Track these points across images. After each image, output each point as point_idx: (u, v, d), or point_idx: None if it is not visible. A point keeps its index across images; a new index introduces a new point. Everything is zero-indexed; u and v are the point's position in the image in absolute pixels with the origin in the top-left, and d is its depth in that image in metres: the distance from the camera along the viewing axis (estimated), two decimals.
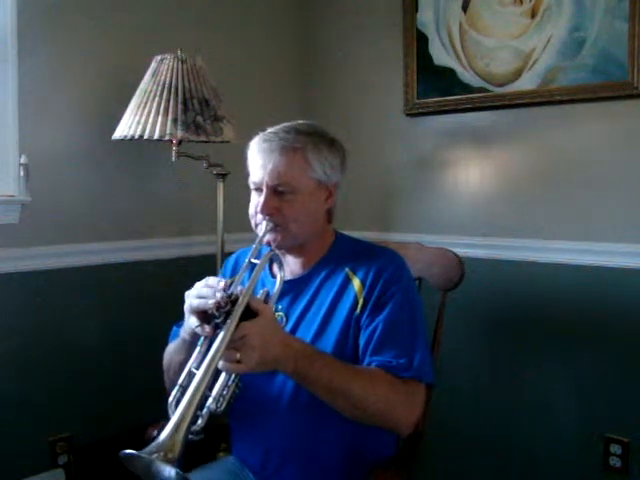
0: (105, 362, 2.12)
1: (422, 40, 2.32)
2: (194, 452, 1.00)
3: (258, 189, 1.30)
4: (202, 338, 1.09)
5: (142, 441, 1.41)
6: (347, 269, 1.32)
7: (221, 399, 1.04)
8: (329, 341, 1.27)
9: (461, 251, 1.71)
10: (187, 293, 1.15)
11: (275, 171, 1.26)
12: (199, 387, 0.98)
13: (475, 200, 2.27)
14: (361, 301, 1.27)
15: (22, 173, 1.87)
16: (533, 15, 2.07)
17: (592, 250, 2.00)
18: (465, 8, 2.22)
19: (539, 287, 2.11)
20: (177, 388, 1.05)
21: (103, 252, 2.10)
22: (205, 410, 1.01)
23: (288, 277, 1.33)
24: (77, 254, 2.03)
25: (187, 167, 2.16)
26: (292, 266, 1.37)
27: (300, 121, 1.36)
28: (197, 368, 1.04)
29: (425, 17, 2.32)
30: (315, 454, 1.29)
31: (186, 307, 1.13)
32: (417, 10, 2.33)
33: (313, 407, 1.20)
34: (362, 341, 1.26)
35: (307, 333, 1.29)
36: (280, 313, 1.33)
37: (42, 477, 1.97)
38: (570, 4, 1.99)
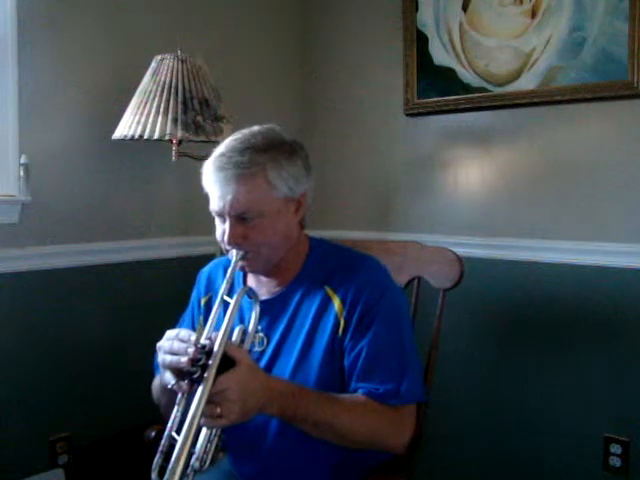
0: (105, 362, 2.12)
1: (422, 40, 2.32)
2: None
3: (220, 216, 1.22)
4: (179, 396, 1.04)
5: (141, 441, 1.42)
6: (326, 287, 1.25)
7: (205, 456, 1.00)
8: (313, 363, 1.22)
9: (461, 251, 1.70)
10: (159, 345, 1.09)
11: (236, 202, 1.17)
12: (180, 455, 0.95)
13: (475, 200, 2.27)
14: (342, 322, 1.21)
15: (22, 173, 1.87)
16: (533, 15, 2.07)
17: (592, 250, 2.00)
18: (465, 8, 2.22)
19: (539, 287, 2.11)
20: (158, 455, 1.01)
21: (103, 252, 2.10)
22: (190, 469, 0.98)
23: (265, 297, 1.28)
24: (77, 254, 2.03)
25: (187, 167, 2.15)
26: (267, 285, 1.31)
27: (254, 129, 1.25)
28: (177, 432, 1.00)
29: (425, 17, 2.32)
30: (313, 461, 1.26)
31: (159, 361, 1.09)
32: (417, 10, 2.33)
33: None
34: (346, 365, 1.21)
35: (290, 355, 1.25)
36: (260, 335, 1.28)
37: (42, 477, 1.97)
38: (570, 4, 1.99)
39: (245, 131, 1.26)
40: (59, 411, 2.01)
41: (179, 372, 1.04)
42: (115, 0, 2.11)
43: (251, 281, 1.34)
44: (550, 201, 2.11)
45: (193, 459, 0.98)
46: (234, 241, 1.19)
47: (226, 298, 1.15)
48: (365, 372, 1.19)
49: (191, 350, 1.01)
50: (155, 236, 2.25)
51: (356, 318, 1.21)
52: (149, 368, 1.40)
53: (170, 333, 1.10)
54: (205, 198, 2.26)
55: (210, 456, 1.01)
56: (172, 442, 1.00)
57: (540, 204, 2.12)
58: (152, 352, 1.41)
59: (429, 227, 2.35)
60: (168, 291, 2.21)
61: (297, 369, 1.23)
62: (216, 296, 1.16)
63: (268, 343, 1.27)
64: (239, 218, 1.19)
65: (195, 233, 2.35)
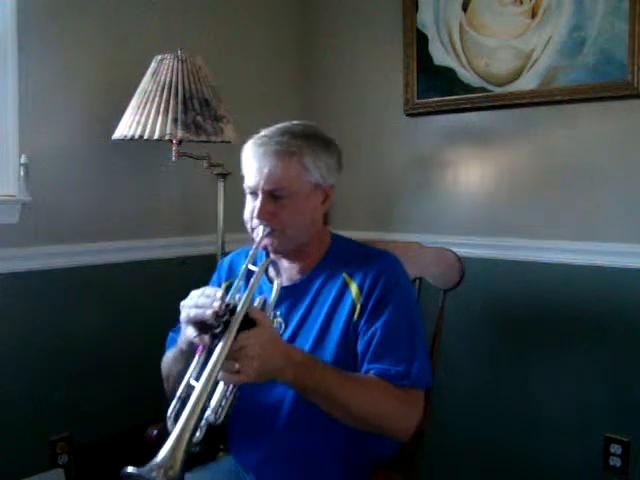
0: (105, 362, 2.11)
1: (422, 40, 2.32)
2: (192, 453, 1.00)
3: (253, 193, 1.28)
4: (200, 348, 1.08)
5: (141, 441, 1.42)
6: (344, 274, 1.30)
7: (220, 410, 1.03)
8: (329, 348, 1.26)
9: (461, 251, 1.71)
10: (182, 303, 1.13)
11: (271, 176, 1.23)
12: (199, 399, 0.97)
13: (475, 200, 2.27)
14: (358, 307, 1.26)
15: (22, 173, 1.87)
16: (533, 15, 2.07)
17: (592, 250, 2.00)
18: (465, 8, 2.22)
19: (539, 287, 2.11)
20: (176, 400, 1.04)
21: (103, 252, 2.10)
22: (204, 422, 1.00)
23: (285, 283, 1.32)
24: (77, 254, 2.03)
25: (187, 167, 2.16)
26: (289, 271, 1.35)
27: (294, 122, 1.33)
28: (196, 379, 1.03)
29: (425, 17, 2.32)
30: (316, 457, 1.28)
31: (183, 317, 1.11)
32: (417, 10, 2.33)
33: (313, 414, 1.19)
34: (360, 348, 1.25)
35: (306, 340, 1.28)
36: (279, 319, 1.31)
37: (42, 477, 1.97)
38: (570, 4, 1.99)
39: (286, 122, 1.33)
40: (59, 411, 2.01)
41: (201, 327, 1.07)
42: (115, 0, 2.11)
43: (273, 270, 1.35)
44: (550, 201, 2.10)
45: (208, 412, 1.01)
46: (263, 217, 1.24)
47: (251, 267, 1.20)
48: (377, 354, 1.22)
49: (217, 304, 1.04)
50: (155, 236, 2.25)
51: (372, 303, 1.25)
52: (149, 367, 1.40)
53: (194, 292, 1.13)
54: (204, 198, 2.28)
55: (225, 412, 1.03)
56: (189, 392, 1.02)
57: (540, 204, 2.12)
58: (152, 351, 1.42)
59: (429, 227, 2.35)
60: (168, 291, 2.20)
61: (313, 354, 1.25)
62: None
63: (286, 328, 1.31)
64: (271, 195, 1.25)
65: (195, 233, 2.35)
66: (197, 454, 1.01)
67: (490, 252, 2.20)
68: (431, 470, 2.04)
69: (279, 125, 1.32)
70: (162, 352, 1.37)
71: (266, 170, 1.24)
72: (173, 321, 1.41)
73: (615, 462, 1.99)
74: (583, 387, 2.04)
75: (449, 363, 1.99)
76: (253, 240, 1.27)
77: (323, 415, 1.17)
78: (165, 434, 1.03)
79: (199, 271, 1.53)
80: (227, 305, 1.05)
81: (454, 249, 1.68)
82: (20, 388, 1.93)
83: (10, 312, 1.90)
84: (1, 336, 1.88)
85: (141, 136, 1.86)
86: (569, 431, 2.06)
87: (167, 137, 1.86)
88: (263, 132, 1.30)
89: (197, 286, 1.48)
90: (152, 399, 1.37)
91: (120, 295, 2.16)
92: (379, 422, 1.20)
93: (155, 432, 1.42)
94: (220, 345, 1.01)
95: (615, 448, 1.99)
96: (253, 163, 1.26)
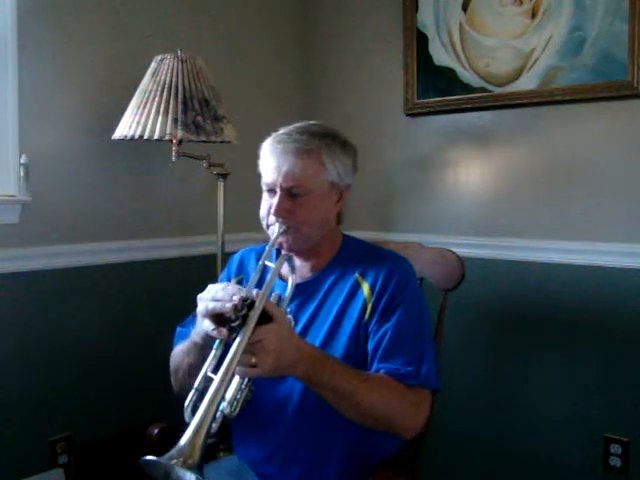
0: (105, 362, 2.11)
1: (422, 40, 2.33)
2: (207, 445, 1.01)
3: (271, 190, 1.29)
4: (217, 341, 1.09)
5: (142, 441, 1.42)
6: (357, 274, 1.32)
7: (235, 403, 1.05)
8: (339, 347, 1.27)
9: (461, 251, 1.71)
10: (200, 296, 1.14)
11: (290, 173, 1.25)
12: (218, 391, 0.99)
13: (475, 200, 2.27)
14: (370, 307, 1.27)
15: (22, 173, 1.87)
16: (533, 15, 2.08)
17: (592, 250, 2.00)
18: (465, 8, 2.22)
19: (539, 287, 2.11)
20: (193, 392, 1.06)
21: (103, 252, 2.10)
22: (219, 414, 1.01)
23: (297, 280, 1.32)
24: (77, 254, 2.03)
25: (187, 167, 2.16)
26: (301, 270, 1.37)
27: (312, 122, 1.36)
28: (214, 372, 1.04)
29: (425, 17, 2.32)
30: (319, 456, 1.29)
31: (200, 310, 1.12)
32: (417, 10, 2.33)
33: (320, 412, 1.20)
34: (370, 347, 1.26)
35: (316, 338, 1.29)
36: (289, 316, 1.31)
37: (42, 477, 1.97)
38: (570, 4, 2.00)
39: (303, 122, 1.36)
40: (59, 411, 2.01)
41: (219, 320, 1.08)
42: (115, 0, 2.11)
43: (285, 267, 1.36)
44: (550, 201, 2.11)
45: (224, 404, 1.03)
46: (280, 214, 1.26)
47: (268, 263, 1.22)
48: (388, 353, 1.23)
49: (236, 297, 1.05)
50: (155, 236, 2.25)
51: (383, 303, 1.27)
52: (149, 367, 1.40)
53: (212, 286, 1.14)
54: (204, 198, 2.27)
55: (240, 405, 1.05)
56: (207, 384, 1.03)
57: (540, 204, 2.13)
58: (152, 351, 1.42)
59: (429, 227, 2.36)
60: (168, 291, 2.21)
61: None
62: (248, 278, 1.22)
63: (295, 325, 1.30)
64: (289, 193, 1.26)
65: (195, 233, 2.35)
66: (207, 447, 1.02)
67: (490, 252, 2.20)
68: (431, 470, 2.04)
69: (297, 124, 1.33)
70: (162, 352, 1.38)
71: (285, 168, 1.25)
72: (172, 321, 1.41)
73: (615, 462, 1.99)
74: (583, 387, 2.04)
75: (449, 362, 1.99)
76: (269, 237, 1.29)
77: (331, 412, 1.18)
78: (165, 433, 1.04)
79: (199, 271, 1.52)
80: (245, 299, 1.06)
81: (454, 249, 1.68)
82: (20, 388, 1.92)
83: (10, 312, 1.90)
84: (1, 336, 1.88)
85: (141, 136, 1.86)
86: (569, 431, 2.07)
87: (167, 137, 1.86)
88: (282, 130, 1.32)
89: (197, 286, 1.49)
90: (152, 399, 1.37)
91: (120, 295, 2.15)
92: (388, 419, 1.20)
93: (156, 431, 1.42)
94: (238, 338, 1.03)
95: (615, 448, 1.99)
96: (271, 161, 1.28)
